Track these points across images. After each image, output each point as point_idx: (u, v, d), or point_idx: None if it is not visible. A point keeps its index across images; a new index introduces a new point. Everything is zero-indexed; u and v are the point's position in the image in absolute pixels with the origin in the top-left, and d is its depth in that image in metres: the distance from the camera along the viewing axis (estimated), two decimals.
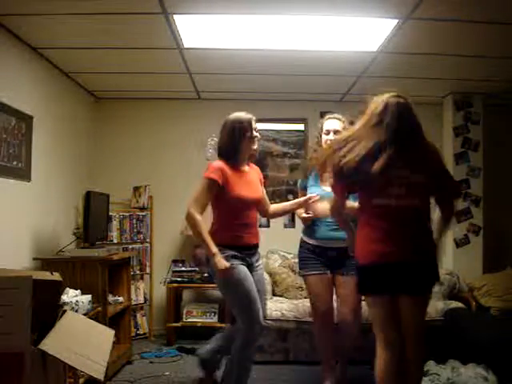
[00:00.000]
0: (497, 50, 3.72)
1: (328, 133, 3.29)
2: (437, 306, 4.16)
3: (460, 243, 4.90)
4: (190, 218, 2.87)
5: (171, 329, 4.71)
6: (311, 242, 3.34)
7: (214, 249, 2.84)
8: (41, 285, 2.19)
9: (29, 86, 3.69)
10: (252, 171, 3.14)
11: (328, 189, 3.16)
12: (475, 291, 4.38)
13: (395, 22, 3.23)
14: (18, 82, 3.51)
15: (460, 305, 4.21)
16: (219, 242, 2.90)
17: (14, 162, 3.43)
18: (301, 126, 5.29)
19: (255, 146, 3.07)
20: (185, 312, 4.74)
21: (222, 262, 2.83)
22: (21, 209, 3.54)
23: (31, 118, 3.65)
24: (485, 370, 3.28)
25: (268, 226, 5.09)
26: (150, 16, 3.17)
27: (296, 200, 3.33)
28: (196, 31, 3.44)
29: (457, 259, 4.87)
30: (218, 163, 2.96)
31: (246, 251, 2.99)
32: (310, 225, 3.32)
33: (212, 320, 4.66)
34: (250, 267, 3.00)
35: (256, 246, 3.09)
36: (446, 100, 5.08)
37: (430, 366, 3.41)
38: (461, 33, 3.41)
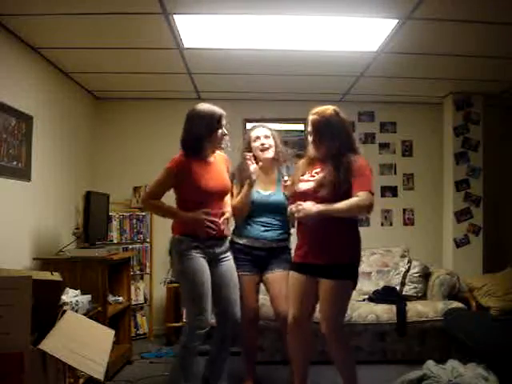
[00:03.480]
0: (497, 50, 3.72)
1: (258, 138, 3.34)
2: (437, 306, 4.16)
3: (460, 243, 4.91)
4: (145, 206, 3.02)
5: (171, 329, 4.71)
6: (241, 241, 3.36)
7: (177, 211, 2.95)
8: (41, 285, 2.20)
9: (29, 86, 3.69)
10: (218, 160, 3.06)
11: (266, 192, 3.34)
12: (475, 291, 4.38)
13: (395, 22, 3.23)
14: (17, 82, 3.51)
15: (460, 305, 4.20)
16: (181, 232, 2.93)
17: (14, 162, 3.43)
18: (301, 126, 5.28)
19: (223, 144, 3.02)
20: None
21: (189, 214, 2.88)
22: (21, 209, 3.54)
23: (31, 118, 3.65)
24: (485, 370, 3.27)
25: None
26: (149, 16, 3.17)
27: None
28: (196, 31, 3.44)
29: (457, 259, 4.88)
30: (180, 155, 2.94)
31: (209, 242, 2.94)
32: (242, 224, 3.36)
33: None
34: (214, 259, 2.97)
35: (222, 238, 3.02)
36: (446, 100, 5.08)
37: (430, 366, 3.40)
38: (461, 33, 3.41)
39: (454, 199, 4.93)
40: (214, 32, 3.47)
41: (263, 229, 3.34)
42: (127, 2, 2.98)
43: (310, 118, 2.85)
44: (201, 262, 2.90)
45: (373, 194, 2.70)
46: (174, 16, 3.16)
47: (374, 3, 2.99)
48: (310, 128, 2.86)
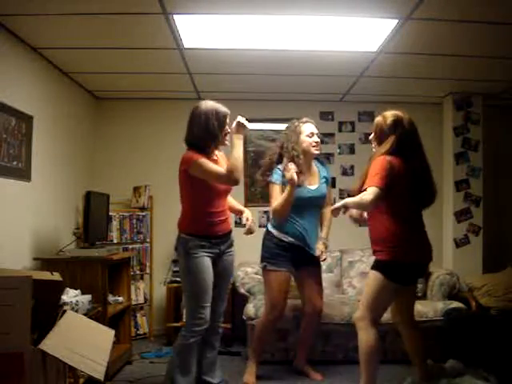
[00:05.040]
0: (497, 50, 3.72)
1: (312, 135, 3.52)
2: (437, 306, 4.16)
3: (460, 243, 4.90)
4: (231, 175, 2.88)
5: (171, 329, 4.71)
6: (286, 239, 3.47)
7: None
8: (41, 285, 2.20)
9: (29, 86, 3.69)
10: (221, 159, 3.15)
11: (312, 187, 3.51)
12: (475, 291, 4.38)
13: (395, 22, 3.23)
14: (17, 82, 3.51)
15: (460, 305, 4.20)
16: (189, 232, 2.98)
17: (14, 162, 3.43)
18: None
19: (227, 142, 3.08)
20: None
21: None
22: (21, 209, 3.54)
23: (31, 118, 3.65)
24: (485, 371, 3.27)
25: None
26: (149, 16, 3.16)
27: (243, 209, 3.35)
28: (196, 31, 3.44)
29: (457, 259, 4.88)
30: (195, 152, 2.94)
31: (217, 239, 3.04)
32: (288, 220, 3.46)
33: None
34: (219, 256, 3.07)
35: (227, 234, 3.13)
36: (446, 100, 5.08)
37: (429, 365, 3.40)
38: (461, 33, 3.41)
39: (454, 199, 4.93)
40: (214, 32, 3.47)
41: (308, 229, 3.49)
42: (127, 2, 2.98)
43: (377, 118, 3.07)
44: (206, 260, 2.98)
45: (378, 187, 2.77)
46: (174, 16, 3.16)
47: (373, 3, 2.99)
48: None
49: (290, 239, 3.46)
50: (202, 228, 3.00)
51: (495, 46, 3.64)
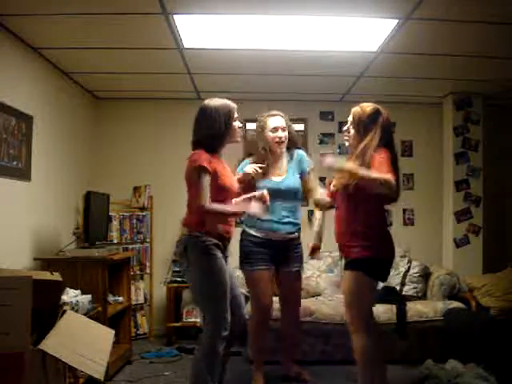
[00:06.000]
0: (497, 50, 3.72)
1: (276, 130, 3.34)
2: (437, 305, 4.16)
3: (460, 243, 4.90)
4: (208, 212, 2.71)
5: (171, 329, 4.72)
6: (258, 234, 3.34)
7: (238, 206, 2.84)
8: (41, 285, 2.20)
9: (29, 86, 3.69)
10: (224, 164, 2.96)
11: (277, 179, 3.34)
12: (475, 291, 4.38)
13: (395, 22, 3.23)
14: (17, 82, 3.51)
15: (460, 305, 4.20)
16: (206, 230, 2.76)
17: (14, 162, 3.43)
18: (301, 126, 5.28)
19: (239, 138, 2.92)
20: (185, 312, 4.75)
21: (251, 205, 2.80)
22: (21, 209, 3.54)
23: (31, 118, 3.65)
24: (485, 371, 3.27)
25: None
26: (149, 16, 3.17)
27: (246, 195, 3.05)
28: (196, 31, 3.44)
29: (457, 259, 4.88)
30: (203, 153, 2.75)
31: (227, 242, 2.89)
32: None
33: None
34: (225, 259, 2.90)
35: (231, 239, 2.95)
36: (446, 100, 5.08)
37: (429, 366, 3.40)
38: (461, 33, 3.41)
39: (454, 199, 4.93)
40: (214, 32, 3.47)
41: (279, 220, 3.31)
42: (127, 2, 2.98)
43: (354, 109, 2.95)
44: (223, 261, 2.82)
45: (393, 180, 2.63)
46: (174, 16, 3.16)
47: (373, 3, 2.99)
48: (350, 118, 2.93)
49: (261, 234, 3.32)
50: (220, 227, 2.81)
51: (495, 46, 3.64)
